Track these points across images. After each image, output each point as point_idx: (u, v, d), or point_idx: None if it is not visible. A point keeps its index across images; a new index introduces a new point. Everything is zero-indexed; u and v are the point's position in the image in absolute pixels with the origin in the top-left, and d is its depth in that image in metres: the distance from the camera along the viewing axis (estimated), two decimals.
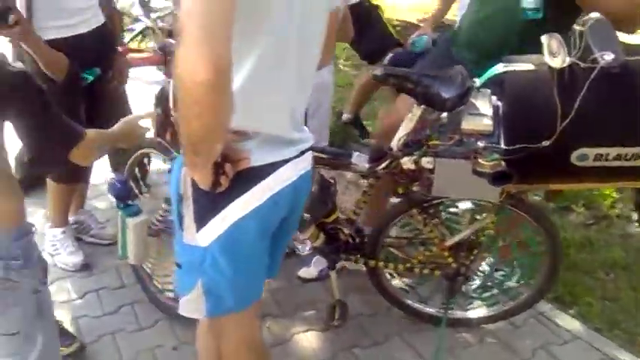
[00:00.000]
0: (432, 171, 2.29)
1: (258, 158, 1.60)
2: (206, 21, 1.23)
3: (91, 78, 2.94)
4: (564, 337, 2.86)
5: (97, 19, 2.98)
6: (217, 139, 1.41)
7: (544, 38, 2.17)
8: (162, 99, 2.52)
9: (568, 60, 2.09)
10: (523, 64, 2.19)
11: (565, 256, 3.15)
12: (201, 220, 1.65)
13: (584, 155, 2.14)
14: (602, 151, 2.13)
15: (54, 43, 2.71)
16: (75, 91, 2.88)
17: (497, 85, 2.23)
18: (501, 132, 2.17)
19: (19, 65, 1.69)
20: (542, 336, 2.87)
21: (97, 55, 2.97)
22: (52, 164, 1.91)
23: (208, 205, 1.63)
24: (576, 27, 2.17)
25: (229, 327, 1.89)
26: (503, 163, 2.11)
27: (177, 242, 1.76)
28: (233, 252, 1.69)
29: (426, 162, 2.28)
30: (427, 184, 2.34)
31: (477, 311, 2.85)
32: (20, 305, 1.68)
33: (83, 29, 2.88)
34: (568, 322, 2.98)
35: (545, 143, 2.10)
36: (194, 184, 1.62)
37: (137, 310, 2.92)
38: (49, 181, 3.14)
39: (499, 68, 2.22)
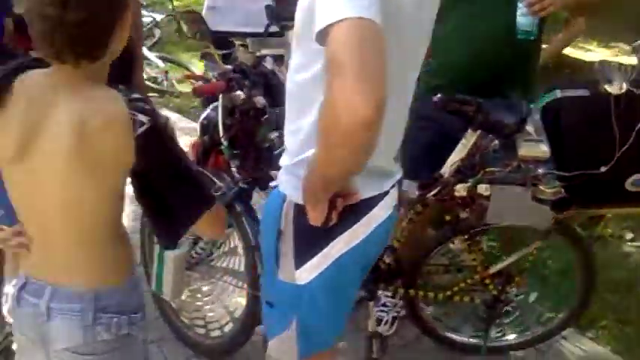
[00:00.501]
0: (487, 198, 2.27)
1: (363, 192, 1.55)
2: (366, 57, 1.17)
3: None
4: None
5: None
6: (355, 175, 1.37)
7: (598, 66, 2.20)
8: (209, 127, 2.45)
9: (625, 87, 2.12)
10: (579, 91, 2.21)
11: None
12: (301, 257, 1.59)
13: (639, 180, 2.17)
14: None
15: None
16: None
17: (551, 111, 2.24)
18: (557, 158, 2.19)
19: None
20: None
21: (120, 77, 2.83)
22: (173, 234, 1.54)
23: (311, 241, 1.57)
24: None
25: None
26: (562, 189, 2.12)
27: (268, 280, 1.68)
28: (333, 288, 1.63)
29: (483, 189, 2.26)
30: (480, 210, 2.33)
31: (509, 337, 2.84)
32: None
33: None
34: (589, 345, 3.00)
35: (603, 169, 2.13)
36: (297, 221, 1.56)
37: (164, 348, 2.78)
38: None
39: (552, 95, 2.23)
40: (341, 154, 1.25)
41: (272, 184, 1.73)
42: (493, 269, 2.55)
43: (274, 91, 2.28)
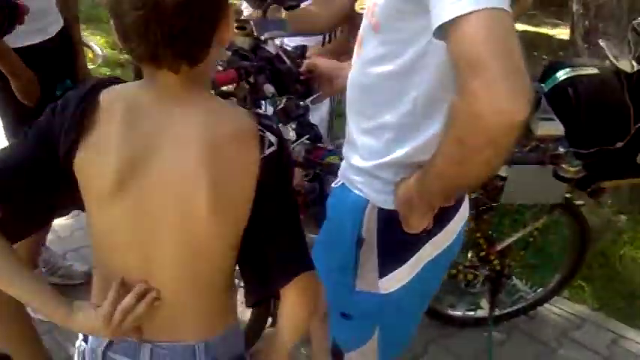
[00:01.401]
0: (503, 178, 2.27)
1: None
2: (509, 53, 1.03)
3: (58, 93, 2.56)
4: (576, 322, 3.01)
5: (59, 23, 2.59)
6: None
7: (603, 43, 2.23)
8: None
9: (636, 65, 2.17)
10: (588, 69, 2.24)
11: None
12: (386, 266, 1.51)
13: None
14: None
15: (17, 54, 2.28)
16: None
17: (561, 89, 2.26)
18: (571, 136, 2.22)
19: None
20: (559, 324, 2.99)
21: (62, 65, 2.60)
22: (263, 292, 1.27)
23: (398, 249, 1.50)
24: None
25: None
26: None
27: (342, 290, 1.58)
28: (419, 293, 1.59)
29: (502, 169, 2.25)
30: (493, 190, 2.33)
31: (507, 307, 2.90)
32: None
33: (46, 35, 2.49)
34: (568, 305, 3.13)
35: (619, 144, 2.18)
36: (382, 228, 1.48)
37: None
38: None
39: (563, 74, 2.25)
40: (483, 159, 1.12)
41: (334, 184, 1.62)
42: (500, 246, 2.58)
43: (282, 77, 2.14)
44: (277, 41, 2.24)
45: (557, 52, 6.89)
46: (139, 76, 1.18)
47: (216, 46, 1.12)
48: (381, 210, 1.46)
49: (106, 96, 1.14)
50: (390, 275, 1.51)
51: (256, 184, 1.15)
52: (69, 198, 1.18)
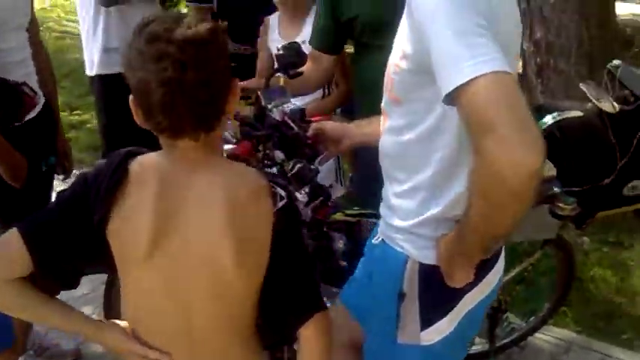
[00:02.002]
0: None
1: None
2: (516, 108, 1.11)
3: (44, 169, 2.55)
4: (564, 347, 3.14)
5: (41, 100, 2.50)
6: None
7: (583, 86, 2.39)
8: None
9: (617, 106, 2.33)
10: (572, 112, 2.39)
11: None
12: (428, 318, 1.59)
13: (635, 187, 2.40)
14: None
15: None
16: (42, 192, 2.49)
17: (551, 133, 2.40)
18: (562, 176, 2.35)
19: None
20: (548, 350, 3.11)
21: (46, 141, 2.56)
22: (278, 335, 1.48)
23: (439, 302, 1.59)
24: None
25: None
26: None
27: (384, 344, 1.66)
28: (461, 340, 1.66)
29: None
30: None
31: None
32: None
33: (32, 113, 2.38)
34: (556, 331, 3.26)
35: (607, 181, 2.33)
36: (424, 282, 1.56)
37: None
38: None
39: (550, 119, 2.39)
40: (510, 211, 1.19)
41: (374, 240, 1.70)
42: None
43: (290, 143, 2.21)
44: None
45: None
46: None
47: (226, 114, 1.29)
48: (421, 265, 1.55)
49: (135, 166, 1.28)
50: (432, 327, 1.59)
51: (272, 234, 1.29)
52: (99, 262, 1.35)
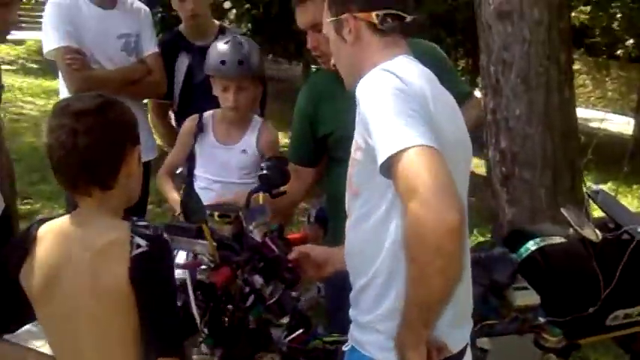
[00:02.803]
0: (484, 350, 2.29)
1: (453, 345, 1.56)
2: (438, 174, 1.27)
3: None
4: None
5: (2, 205, 2.42)
6: (449, 299, 1.36)
7: (564, 211, 2.37)
8: None
9: (600, 234, 2.31)
10: (556, 238, 2.36)
11: None
12: None
13: (617, 316, 2.36)
14: (630, 311, 2.37)
15: None
16: None
17: (533, 260, 2.36)
18: (546, 304, 2.30)
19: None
20: None
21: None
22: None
23: None
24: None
25: None
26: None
27: None
28: None
29: (482, 343, 2.28)
30: None
31: None
32: None
33: None
34: None
35: (591, 310, 2.28)
36: None
37: None
38: None
39: (533, 244, 2.36)
40: (435, 268, 1.26)
41: (345, 347, 1.69)
42: None
43: (270, 266, 2.10)
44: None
45: (475, 191, 7.19)
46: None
47: (124, 176, 1.60)
48: None
49: (44, 229, 1.61)
50: None
51: (129, 280, 1.50)
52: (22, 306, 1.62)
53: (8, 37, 2.52)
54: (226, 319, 2.06)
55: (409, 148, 1.28)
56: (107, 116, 1.55)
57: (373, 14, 1.54)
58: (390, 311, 1.50)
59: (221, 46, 2.64)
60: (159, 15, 7.73)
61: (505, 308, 2.31)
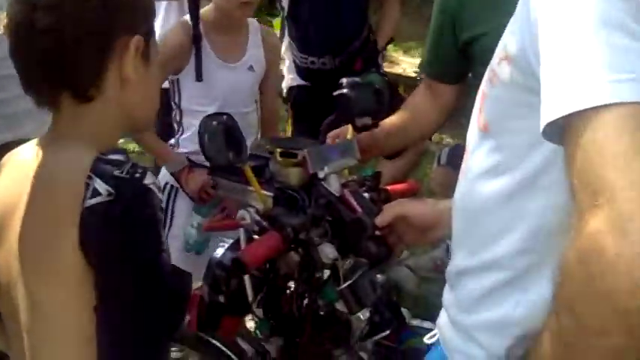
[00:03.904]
0: None
1: None
2: None
3: None
4: None
5: None
6: None
7: None
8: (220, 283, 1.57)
9: None
10: None
11: None
12: None
13: None
14: None
15: None
16: None
17: None
18: None
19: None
20: None
21: None
22: None
23: None
24: None
25: None
26: None
27: None
28: None
29: None
30: None
31: None
32: None
33: None
34: None
35: None
36: None
37: None
38: None
39: None
40: (611, 344, 0.69)
41: (427, 339, 1.24)
42: None
43: (347, 233, 1.47)
44: None
45: None
46: None
47: (111, 85, 1.07)
48: None
49: (7, 156, 1.18)
50: None
51: (78, 242, 1.02)
52: None
53: None
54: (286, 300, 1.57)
55: (618, 105, 0.69)
56: None
57: None
58: (503, 324, 1.03)
59: None
60: None
61: None
